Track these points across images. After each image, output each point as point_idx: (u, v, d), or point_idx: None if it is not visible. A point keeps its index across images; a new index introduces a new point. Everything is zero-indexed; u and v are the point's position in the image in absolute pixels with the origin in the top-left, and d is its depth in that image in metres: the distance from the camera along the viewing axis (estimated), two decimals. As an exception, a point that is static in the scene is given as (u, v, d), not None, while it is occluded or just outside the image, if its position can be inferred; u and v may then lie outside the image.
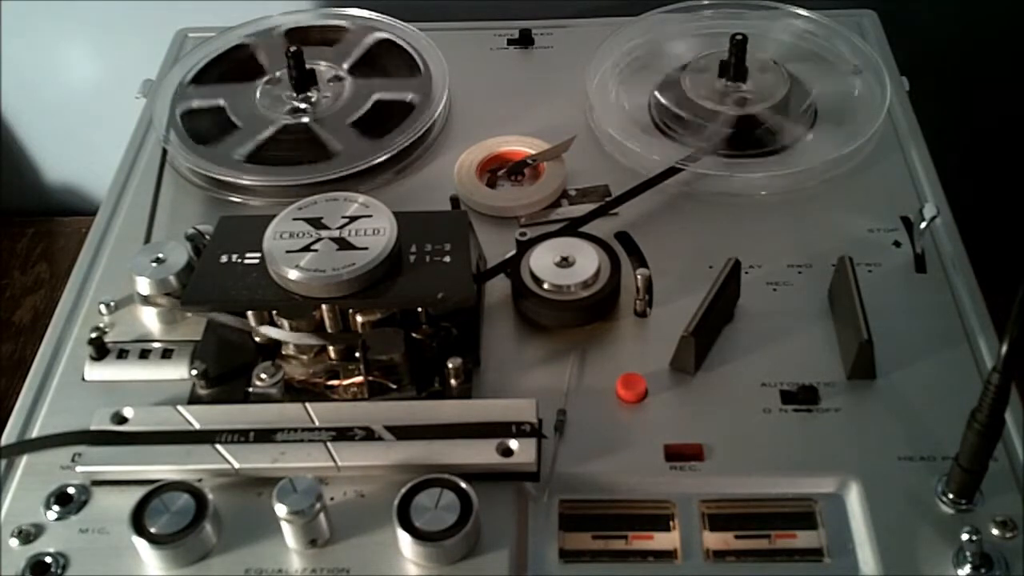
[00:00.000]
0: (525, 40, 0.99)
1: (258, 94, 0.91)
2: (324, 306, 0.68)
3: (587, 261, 0.72)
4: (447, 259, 0.69)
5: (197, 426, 0.64)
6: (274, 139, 0.87)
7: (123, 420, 0.65)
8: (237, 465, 0.62)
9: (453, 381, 0.67)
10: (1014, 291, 0.50)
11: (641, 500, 0.63)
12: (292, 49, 0.89)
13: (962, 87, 1.24)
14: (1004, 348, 0.52)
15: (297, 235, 0.68)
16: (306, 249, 0.67)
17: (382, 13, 0.98)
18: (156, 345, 0.72)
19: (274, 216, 0.70)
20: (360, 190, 0.75)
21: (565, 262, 0.72)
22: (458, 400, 0.66)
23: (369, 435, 0.63)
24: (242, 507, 0.62)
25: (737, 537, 0.61)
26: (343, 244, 0.68)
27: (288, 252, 0.67)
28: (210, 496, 0.60)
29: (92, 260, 0.80)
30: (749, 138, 0.84)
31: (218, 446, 0.63)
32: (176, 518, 0.59)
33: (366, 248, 0.67)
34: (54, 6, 1.23)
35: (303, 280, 0.66)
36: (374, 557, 0.59)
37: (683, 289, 0.73)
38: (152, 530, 0.58)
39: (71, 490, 0.63)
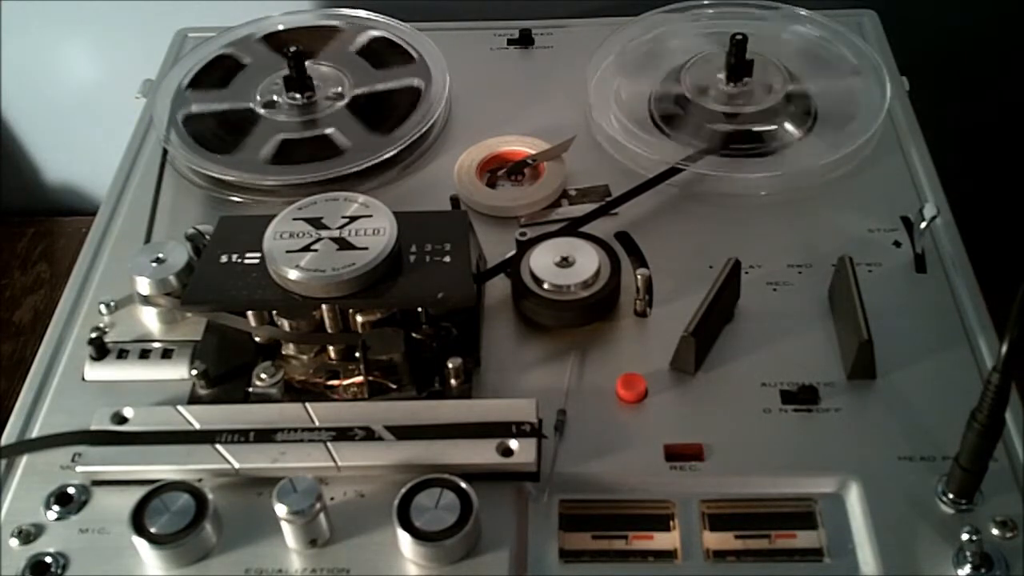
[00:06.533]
0: (525, 40, 0.99)
1: (258, 97, 0.91)
2: (324, 306, 0.68)
3: (587, 261, 0.72)
4: (447, 259, 0.69)
5: (197, 426, 0.64)
6: (286, 140, 0.87)
7: (123, 420, 0.65)
8: (237, 465, 0.62)
9: (453, 381, 0.67)
10: (1014, 291, 0.50)
11: (641, 500, 0.63)
12: (292, 50, 0.88)
13: (962, 87, 1.24)
14: (1004, 348, 0.52)
15: (297, 235, 0.68)
16: (306, 249, 0.67)
17: (382, 13, 0.98)
18: (156, 345, 0.72)
19: (274, 216, 0.70)
20: (361, 189, 0.75)
21: (565, 262, 0.72)
22: (458, 400, 0.66)
23: (369, 435, 0.63)
24: (242, 507, 0.62)
25: (737, 537, 0.61)
26: (343, 244, 0.68)
27: (288, 252, 0.67)
28: (210, 496, 0.60)
29: (92, 260, 0.80)
30: (748, 138, 0.84)
31: (218, 446, 0.63)
32: (176, 518, 0.59)
33: (366, 248, 0.67)
34: (54, 6, 1.23)
35: (303, 280, 0.66)
36: (374, 557, 0.59)
37: (683, 289, 0.73)
38: (152, 530, 0.58)
39: (71, 490, 0.63)
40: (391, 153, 0.84)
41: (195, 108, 0.90)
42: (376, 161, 0.84)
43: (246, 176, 0.83)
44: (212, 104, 0.91)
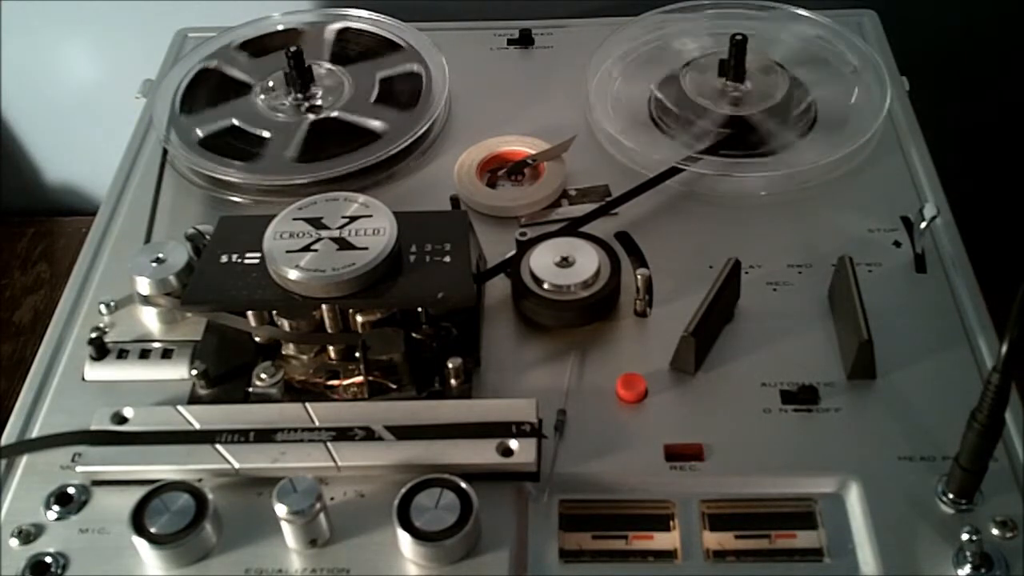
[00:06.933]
0: (525, 40, 0.99)
1: (260, 104, 0.90)
2: (324, 306, 0.68)
3: (587, 261, 0.72)
4: (447, 259, 0.69)
5: (197, 426, 0.64)
6: (309, 138, 0.87)
7: (123, 420, 0.65)
8: (237, 465, 0.62)
9: (453, 381, 0.67)
10: (1014, 291, 0.50)
11: (641, 500, 0.63)
12: (292, 49, 0.88)
13: (962, 87, 1.24)
14: (1004, 348, 0.52)
15: (297, 235, 0.68)
16: (306, 249, 0.67)
17: (382, 13, 0.98)
18: (156, 345, 0.72)
19: (274, 216, 0.70)
20: (361, 189, 0.76)
21: (565, 262, 0.72)
22: (458, 400, 0.66)
23: (369, 435, 0.63)
24: (242, 507, 0.62)
25: (737, 537, 0.61)
26: (343, 244, 0.68)
27: (288, 252, 0.67)
28: (210, 496, 0.60)
29: (92, 260, 0.80)
30: (748, 138, 0.84)
31: (218, 446, 0.63)
32: (176, 518, 0.59)
33: (366, 248, 0.67)
34: (54, 6, 1.23)
35: (303, 280, 0.66)
36: (374, 557, 0.59)
37: (683, 289, 0.73)
38: (152, 530, 0.58)
39: (71, 490, 0.63)
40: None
41: (200, 132, 0.88)
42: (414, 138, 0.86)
43: (279, 177, 0.83)
44: (217, 122, 0.89)
